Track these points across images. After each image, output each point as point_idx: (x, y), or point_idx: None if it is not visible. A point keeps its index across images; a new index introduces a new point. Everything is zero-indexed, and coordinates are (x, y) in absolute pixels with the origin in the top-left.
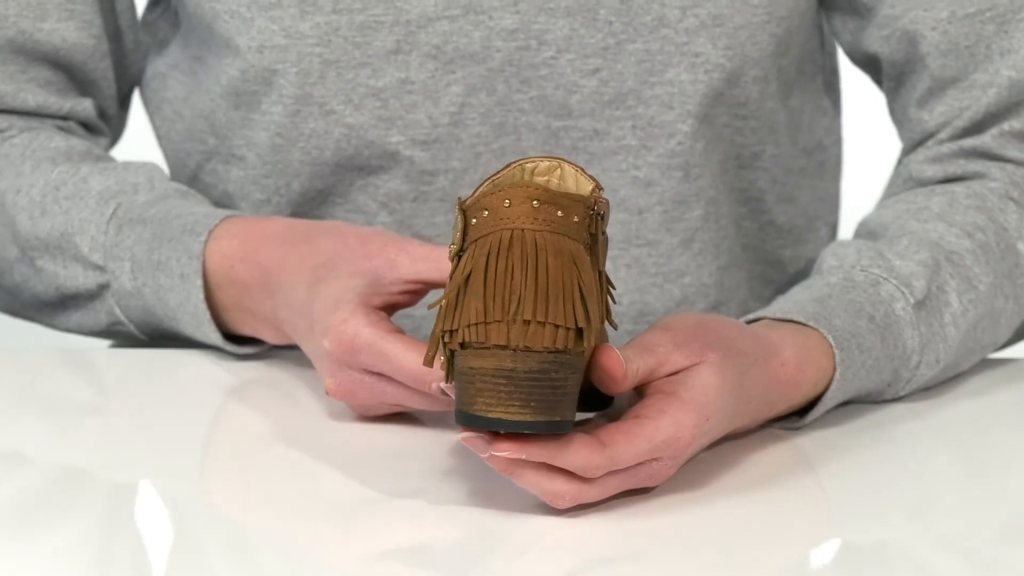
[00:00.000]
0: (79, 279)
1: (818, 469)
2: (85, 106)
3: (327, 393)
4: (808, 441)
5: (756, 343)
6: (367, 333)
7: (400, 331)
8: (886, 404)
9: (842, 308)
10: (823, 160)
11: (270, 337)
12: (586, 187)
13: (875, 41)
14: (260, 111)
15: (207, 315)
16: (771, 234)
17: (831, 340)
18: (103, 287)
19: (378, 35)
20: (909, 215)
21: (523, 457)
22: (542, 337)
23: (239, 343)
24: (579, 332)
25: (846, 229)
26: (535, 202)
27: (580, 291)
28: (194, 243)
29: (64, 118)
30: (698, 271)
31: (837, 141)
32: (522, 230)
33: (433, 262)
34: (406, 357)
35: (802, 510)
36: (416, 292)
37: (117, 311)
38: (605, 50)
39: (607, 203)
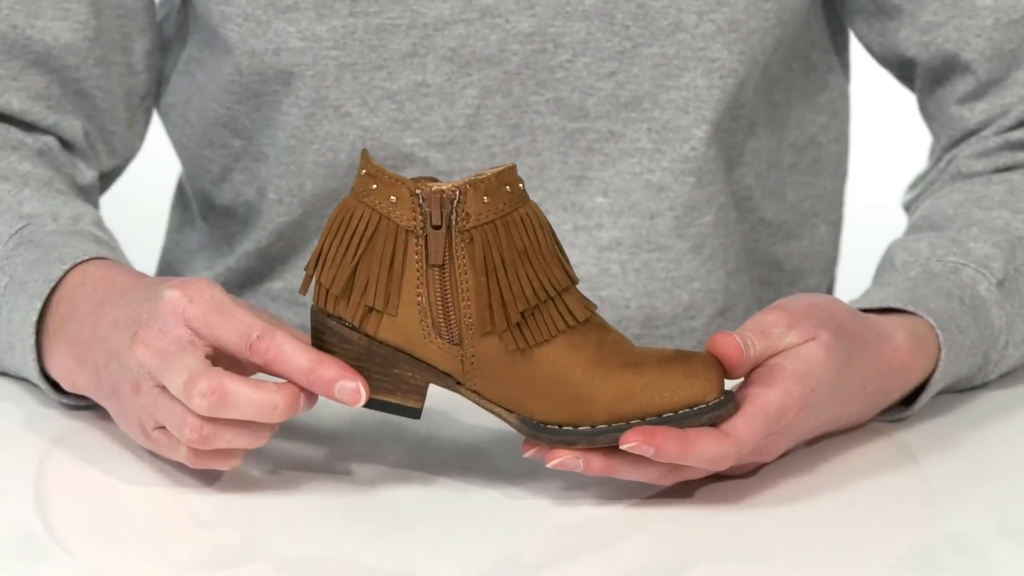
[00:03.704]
0: None
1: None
2: (72, 125)
3: (131, 341)
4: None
5: (868, 327)
6: (217, 291)
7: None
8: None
9: (933, 294)
10: (818, 157)
11: (64, 368)
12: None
13: (913, 45)
14: (281, 111)
15: (31, 341)
16: (762, 232)
17: (933, 322)
18: None
19: (394, 38)
20: (971, 204)
21: (649, 452)
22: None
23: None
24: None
25: (851, 227)
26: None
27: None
28: (56, 270)
29: (45, 131)
30: (707, 277)
31: (838, 139)
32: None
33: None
34: (244, 314)
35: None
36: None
37: None
38: (621, 53)
39: (440, 198)
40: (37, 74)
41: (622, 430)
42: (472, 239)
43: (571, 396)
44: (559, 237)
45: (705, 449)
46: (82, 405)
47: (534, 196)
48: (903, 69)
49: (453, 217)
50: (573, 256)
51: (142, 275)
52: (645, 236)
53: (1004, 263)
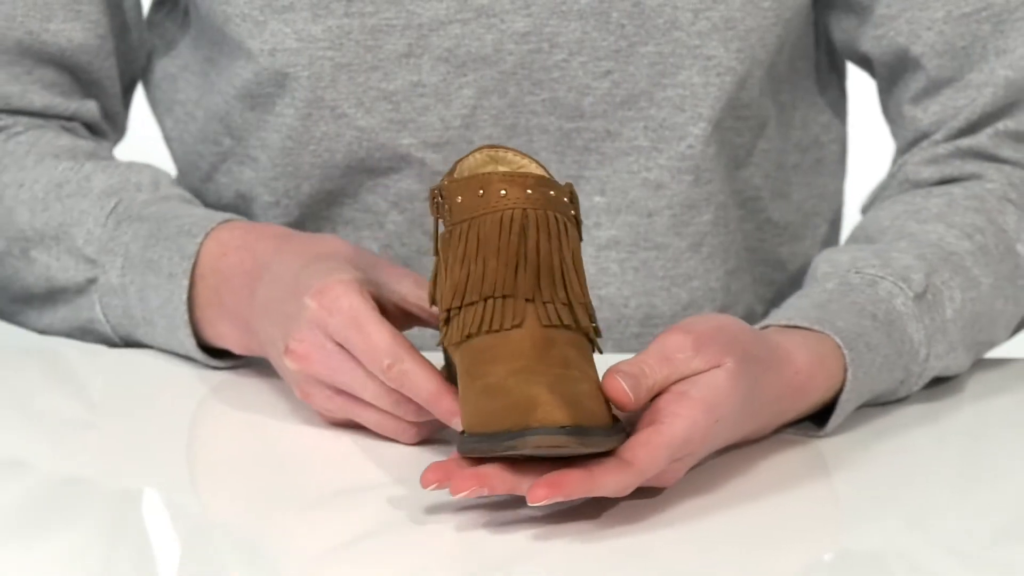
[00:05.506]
0: (70, 272)
1: (831, 474)
2: (90, 107)
3: (284, 352)
4: (824, 446)
5: (771, 350)
6: (355, 300)
7: (383, 318)
8: (898, 408)
9: (844, 310)
10: (820, 157)
11: (233, 338)
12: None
13: (868, 40)
14: (274, 112)
15: (185, 317)
16: (769, 232)
17: (839, 341)
18: (91, 281)
19: (390, 38)
20: (907, 216)
21: (560, 499)
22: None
23: (211, 355)
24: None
25: (851, 227)
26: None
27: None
28: (189, 244)
29: (69, 119)
30: (706, 275)
31: (838, 139)
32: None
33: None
34: (379, 333)
35: (810, 514)
36: (407, 316)
37: (97, 308)
38: (617, 52)
39: (431, 193)
40: (52, 70)
41: (467, 441)
42: (450, 233)
43: (458, 398)
44: None
45: (608, 482)
46: (236, 365)
47: None
48: (865, 66)
49: (444, 210)
50: None
51: (277, 241)
52: (643, 234)
53: (925, 275)
